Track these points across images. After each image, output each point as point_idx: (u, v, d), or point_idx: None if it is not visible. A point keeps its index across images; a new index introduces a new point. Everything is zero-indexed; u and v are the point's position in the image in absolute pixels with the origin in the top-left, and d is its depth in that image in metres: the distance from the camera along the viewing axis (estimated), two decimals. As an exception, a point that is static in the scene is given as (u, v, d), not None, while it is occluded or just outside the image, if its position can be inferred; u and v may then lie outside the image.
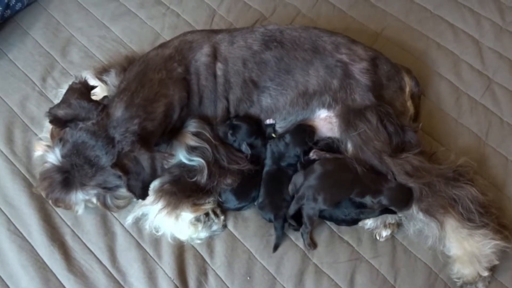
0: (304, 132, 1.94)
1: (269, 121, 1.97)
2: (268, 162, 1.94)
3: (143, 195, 1.66)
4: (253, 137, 1.94)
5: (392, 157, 1.79)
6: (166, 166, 1.65)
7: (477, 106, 2.15)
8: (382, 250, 1.81)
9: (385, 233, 1.82)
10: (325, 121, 1.95)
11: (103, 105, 1.68)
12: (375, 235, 1.84)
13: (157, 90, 1.76)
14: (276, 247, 1.81)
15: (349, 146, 1.87)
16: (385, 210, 1.79)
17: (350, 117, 1.85)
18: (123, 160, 1.59)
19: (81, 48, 2.31)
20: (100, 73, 2.05)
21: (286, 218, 1.81)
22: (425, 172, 1.77)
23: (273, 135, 1.97)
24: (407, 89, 1.99)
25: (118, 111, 1.66)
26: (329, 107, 1.92)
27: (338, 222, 1.84)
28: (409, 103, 2.01)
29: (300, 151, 1.90)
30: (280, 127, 1.99)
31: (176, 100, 1.79)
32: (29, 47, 2.30)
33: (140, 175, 1.62)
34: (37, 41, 2.32)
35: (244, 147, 1.93)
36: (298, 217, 1.82)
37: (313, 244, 1.81)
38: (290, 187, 1.81)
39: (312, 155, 1.86)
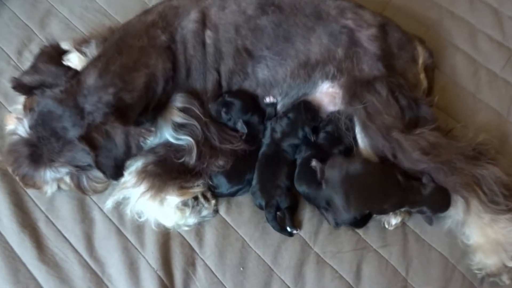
0: (309, 109, 1.76)
1: (269, 99, 1.78)
2: (266, 141, 1.76)
3: (116, 175, 1.49)
4: (249, 114, 1.76)
5: (404, 133, 1.60)
6: (143, 144, 1.48)
7: (497, 80, 1.99)
8: (392, 239, 1.65)
9: (394, 220, 1.65)
10: (329, 96, 1.77)
11: (74, 71, 1.50)
12: (383, 223, 1.66)
13: (137, 58, 1.58)
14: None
15: (356, 123, 1.67)
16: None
17: (356, 88, 1.67)
18: (92, 134, 1.42)
19: (62, 20, 2.13)
20: (80, 44, 1.87)
21: (279, 207, 1.63)
22: (442, 149, 1.59)
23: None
24: (420, 60, 1.81)
25: (90, 78, 1.48)
26: (333, 79, 1.73)
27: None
28: (422, 76, 1.82)
29: (308, 130, 1.72)
30: (283, 105, 1.81)
31: (159, 71, 1.61)
32: (5, 19, 2.12)
33: (112, 151, 1.44)
34: (14, 12, 2.14)
35: (239, 125, 1.75)
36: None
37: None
38: (321, 171, 1.59)
39: (313, 164, 1.66)
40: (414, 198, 1.57)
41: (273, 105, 1.80)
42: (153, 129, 1.55)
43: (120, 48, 1.58)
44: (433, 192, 1.58)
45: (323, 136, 1.74)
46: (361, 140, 1.67)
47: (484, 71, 2.00)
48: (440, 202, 1.60)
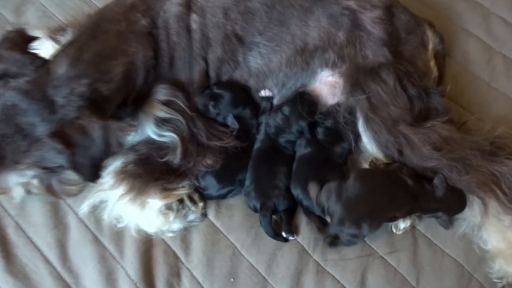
0: (306, 100, 1.60)
1: (264, 93, 1.64)
2: (260, 137, 1.61)
3: (93, 176, 1.34)
4: (240, 107, 1.62)
5: (413, 126, 1.45)
6: (124, 141, 1.32)
7: None
8: (401, 244, 1.51)
9: (403, 224, 1.50)
10: (329, 86, 1.61)
11: (42, 59, 1.36)
12: (391, 227, 1.51)
13: (114, 44, 1.43)
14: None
15: (358, 116, 1.51)
16: None
17: (359, 77, 1.52)
18: (65, 130, 1.27)
19: (39, 7, 2.00)
20: (54, 32, 1.72)
21: (275, 210, 1.48)
22: (456, 144, 1.44)
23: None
24: (430, 46, 1.66)
25: (61, 67, 1.33)
26: (333, 66, 1.58)
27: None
28: (432, 63, 1.68)
29: (304, 125, 1.57)
30: (280, 98, 1.65)
31: (139, 60, 1.46)
32: (-23, 7, 1.96)
33: (89, 150, 1.29)
34: (-13, 0, 1.98)
35: (230, 120, 1.60)
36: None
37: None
38: (318, 204, 1.43)
39: (309, 189, 1.49)
40: (428, 205, 1.43)
41: (269, 99, 1.66)
42: (135, 123, 1.40)
43: (95, 33, 1.43)
44: (447, 194, 1.44)
45: (322, 131, 1.59)
46: (364, 135, 1.52)
47: (499, 58, 1.89)
48: (455, 203, 1.46)
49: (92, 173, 1.33)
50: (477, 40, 1.91)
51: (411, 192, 1.42)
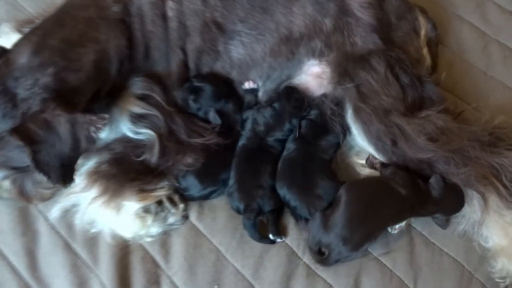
0: (292, 95, 1.51)
1: (248, 85, 1.54)
2: (246, 134, 1.51)
3: (63, 178, 1.22)
4: (223, 101, 1.52)
5: (407, 117, 1.36)
6: (94, 136, 1.21)
7: (511, 54, 1.78)
8: (396, 244, 1.42)
9: (398, 223, 1.39)
10: (317, 77, 1.52)
11: (1, 49, 1.25)
12: None
13: (83, 31, 1.32)
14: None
15: (346, 106, 1.42)
16: None
17: (347, 66, 1.43)
18: (28, 125, 1.16)
19: (8, 1, 1.87)
20: (23, 25, 1.62)
21: (260, 211, 1.38)
22: (453, 134, 1.35)
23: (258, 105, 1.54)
24: (422, 32, 1.58)
25: (22, 56, 1.22)
26: (320, 55, 1.49)
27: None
28: (425, 51, 1.59)
29: (297, 122, 1.48)
30: (265, 91, 1.55)
31: (111, 49, 1.36)
32: None
33: (55, 147, 1.18)
34: (-48, -6, 1.86)
35: (212, 115, 1.50)
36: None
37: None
38: (311, 241, 1.34)
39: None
40: (425, 210, 1.35)
41: (254, 91, 1.55)
42: (106, 115, 1.28)
43: (61, 19, 1.31)
44: (444, 194, 1.35)
45: (306, 124, 1.50)
46: (353, 127, 1.43)
47: (495, 46, 1.80)
48: (453, 202, 1.37)
49: (61, 175, 1.20)
50: (472, 27, 1.82)
51: (406, 203, 1.33)
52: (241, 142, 1.50)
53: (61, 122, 1.18)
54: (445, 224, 1.38)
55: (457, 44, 1.79)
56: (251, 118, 1.51)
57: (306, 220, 1.36)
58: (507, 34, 1.80)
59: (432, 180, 1.35)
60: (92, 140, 1.22)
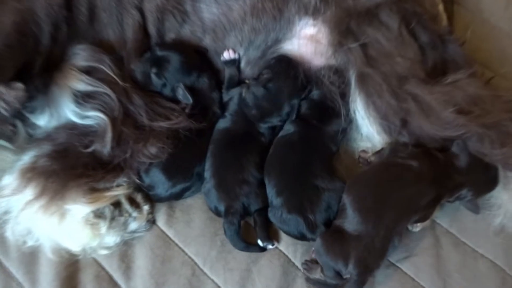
0: (288, 66, 1.24)
1: (228, 55, 1.28)
2: (232, 116, 1.25)
3: None
4: (194, 75, 1.26)
5: (428, 84, 1.09)
6: (6, 113, 0.94)
7: None
8: (419, 246, 1.17)
9: None
10: (312, 41, 1.25)
11: None
12: None
13: None
14: None
15: (350, 75, 1.16)
16: None
17: (350, 23, 1.17)
18: None
19: None
20: None
21: (245, 213, 1.13)
22: (487, 105, 1.10)
23: (247, 81, 1.28)
24: None
25: None
26: (315, 13, 1.22)
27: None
28: (441, 8, 1.32)
29: (297, 102, 1.24)
30: (248, 60, 1.29)
31: (40, 8, 1.10)
32: None
33: None
34: None
35: (181, 92, 1.24)
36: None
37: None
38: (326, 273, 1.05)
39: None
40: (452, 180, 1.08)
41: (234, 62, 1.28)
42: (21, 85, 1.00)
43: None
44: (472, 163, 1.10)
45: (307, 105, 1.24)
46: (358, 101, 1.16)
47: None
48: (483, 177, 1.12)
49: None
50: (490, -17, 1.59)
51: (424, 177, 1.06)
52: (223, 125, 1.24)
53: None
54: (477, 207, 1.12)
55: (475, 2, 1.54)
56: (237, 98, 1.25)
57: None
58: (533, -11, 1.57)
59: (454, 148, 1.10)
60: (3, 121, 0.94)
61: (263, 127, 1.24)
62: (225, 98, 1.28)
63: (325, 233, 1.05)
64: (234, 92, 1.27)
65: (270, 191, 1.13)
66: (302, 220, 1.08)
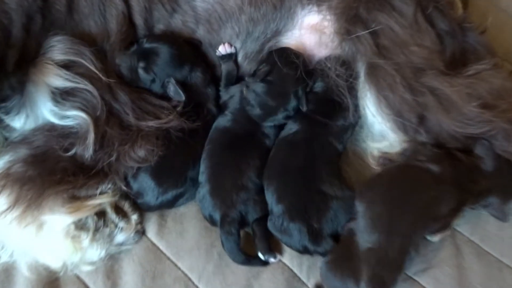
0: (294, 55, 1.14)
1: (224, 49, 1.19)
2: (233, 115, 1.16)
3: None
4: (186, 68, 1.17)
5: (448, 76, 1.00)
6: None
7: None
8: (438, 257, 1.08)
9: None
10: (316, 31, 1.16)
11: None
12: None
13: None
14: None
15: (359, 67, 1.07)
16: None
17: (358, 9, 1.07)
18: None
19: None
20: None
21: (243, 222, 1.03)
22: None
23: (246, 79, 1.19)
24: None
25: None
26: (319, 2, 1.11)
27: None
28: None
29: (303, 92, 1.14)
30: (245, 54, 1.21)
31: None
32: None
33: None
34: None
35: (172, 88, 1.15)
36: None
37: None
38: None
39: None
40: (477, 185, 0.99)
41: (231, 57, 1.19)
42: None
43: None
44: (499, 166, 1.01)
45: (311, 99, 1.14)
46: (369, 97, 1.07)
47: None
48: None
49: None
50: (507, -32, 1.50)
51: (445, 182, 0.97)
52: (222, 123, 1.15)
53: None
54: (504, 215, 1.03)
55: (491, -9, 1.46)
56: (239, 96, 1.16)
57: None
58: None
59: (478, 150, 1.01)
60: None
61: (268, 126, 1.14)
62: (224, 97, 1.19)
63: (330, 256, 0.95)
64: (235, 90, 1.18)
65: (270, 198, 1.03)
66: (305, 230, 0.97)
